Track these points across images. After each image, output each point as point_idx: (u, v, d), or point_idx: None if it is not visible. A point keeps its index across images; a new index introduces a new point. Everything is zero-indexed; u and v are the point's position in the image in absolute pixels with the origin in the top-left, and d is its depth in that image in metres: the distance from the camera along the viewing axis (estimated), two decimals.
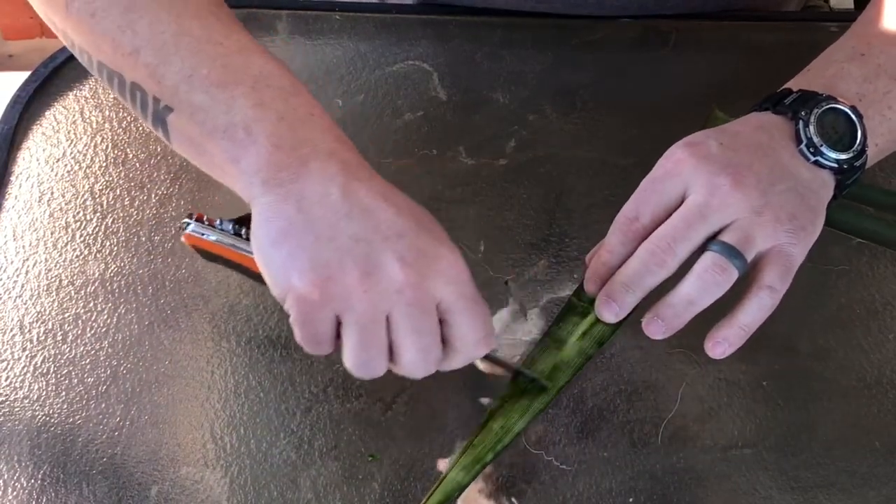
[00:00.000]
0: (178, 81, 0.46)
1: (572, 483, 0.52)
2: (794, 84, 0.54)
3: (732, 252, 0.47)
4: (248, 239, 0.49)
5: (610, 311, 0.50)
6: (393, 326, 0.44)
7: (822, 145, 0.50)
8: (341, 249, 0.43)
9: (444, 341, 0.46)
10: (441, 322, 0.45)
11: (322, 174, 0.45)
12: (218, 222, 0.51)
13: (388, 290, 0.43)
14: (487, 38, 0.71)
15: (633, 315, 0.51)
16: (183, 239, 0.52)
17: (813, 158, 0.50)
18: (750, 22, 0.74)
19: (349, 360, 0.45)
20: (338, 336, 0.45)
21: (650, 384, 0.55)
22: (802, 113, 0.51)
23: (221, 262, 0.53)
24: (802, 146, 0.50)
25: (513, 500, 0.51)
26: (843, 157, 0.50)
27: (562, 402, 0.54)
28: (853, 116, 0.51)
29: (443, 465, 0.52)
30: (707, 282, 0.48)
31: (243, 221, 0.51)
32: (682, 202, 0.50)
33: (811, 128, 0.50)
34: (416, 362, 0.45)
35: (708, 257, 0.48)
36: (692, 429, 0.54)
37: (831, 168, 0.50)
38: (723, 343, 0.49)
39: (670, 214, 0.49)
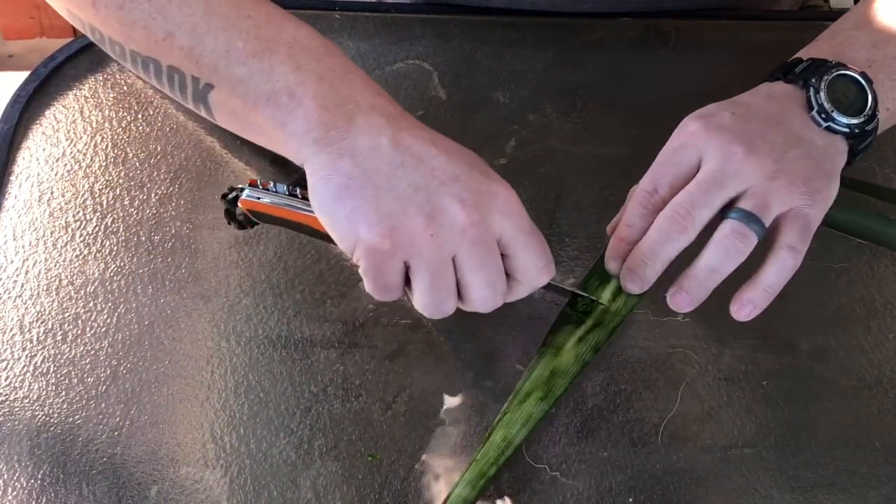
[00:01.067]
0: (216, 58, 0.48)
1: (572, 483, 0.52)
2: (805, 53, 0.55)
3: (751, 217, 0.48)
4: (303, 198, 0.50)
5: (634, 284, 0.51)
6: (459, 266, 0.46)
7: (833, 111, 0.51)
8: (402, 198, 0.45)
9: (507, 274, 0.48)
10: (503, 256, 0.47)
11: (370, 128, 0.46)
12: (272, 185, 0.52)
13: (451, 231, 0.45)
14: (487, 37, 0.71)
15: (627, 321, 0.50)
16: (239, 205, 0.52)
17: (824, 124, 0.51)
18: (750, 21, 0.74)
19: (420, 303, 0.47)
20: (406, 282, 0.47)
21: (650, 384, 0.55)
22: (813, 80, 0.52)
23: (279, 224, 0.53)
24: (814, 113, 0.51)
25: (512, 500, 0.51)
26: (855, 121, 0.51)
27: (561, 401, 0.54)
28: (863, 82, 0.52)
29: (429, 460, 0.52)
30: (728, 248, 0.48)
31: (296, 184, 0.52)
32: (697, 172, 0.50)
33: (822, 94, 0.51)
34: (484, 297, 0.47)
35: (727, 224, 0.49)
36: (692, 429, 0.54)
37: (843, 133, 0.51)
38: (748, 305, 0.49)
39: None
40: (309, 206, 0.48)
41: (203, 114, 0.51)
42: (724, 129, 0.50)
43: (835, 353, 0.57)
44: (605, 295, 0.54)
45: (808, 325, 0.58)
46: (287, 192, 0.51)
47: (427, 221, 0.45)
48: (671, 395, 0.55)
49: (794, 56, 0.55)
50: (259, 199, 0.52)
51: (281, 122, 0.47)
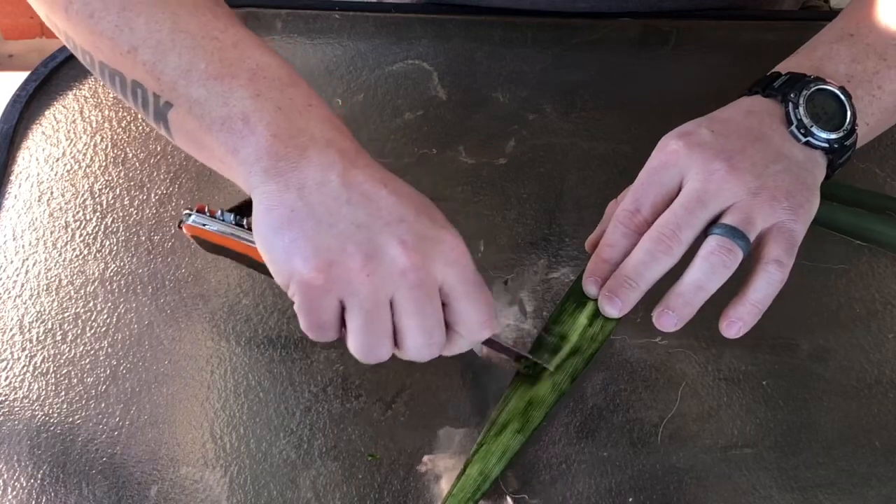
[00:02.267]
0: (177, 77, 0.47)
1: (572, 483, 0.52)
2: (784, 67, 0.55)
3: (735, 233, 0.48)
4: (249, 229, 0.49)
5: (613, 307, 0.50)
6: (396, 310, 0.45)
7: (812, 126, 0.51)
8: (343, 235, 0.44)
9: (447, 325, 0.46)
10: (443, 306, 0.46)
11: (321, 162, 0.45)
12: (219, 213, 0.51)
13: (390, 273, 0.44)
14: (487, 37, 0.71)
15: (617, 338, 0.50)
16: (184, 230, 0.52)
17: (804, 139, 0.51)
18: (750, 21, 0.74)
19: (354, 345, 0.45)
20: (342, 323, 0.45)
21: (650, 384, 0.55)
22: (791, 95, 0.51)
23: (223, 254, 0.53)
24: (793, 128, 0.51)
25: (511, 499, 0.51)
26: (834, 136, 0.51)
27: (561, 401, 0.54)
28: (842, 97, 0.51)
29: (429, 460, 0.52)
30: (714, 264, 0.48)
31: (242, 210, 0.51)
32: (679, 191, 0.50)
33: (801, 109, 0.51)
34: (419, 346, 0.46)
35: (712, 240, 0.48)
36: (692, 429, 0.54)
37: (822, 148, 0.51)
38: (737, 322, 0.49)
39: (669, 205, 0.50)
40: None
41: (163, 133, 0.49)
42: (704, 146, 0.50)
43: (835, 353, 0.57)
44: (582, 319, 0.53)
45: (808, 325, 0.58)
46: (234, 222, 0.51)
47: (365, 260, 0.43)
48: (671, 395, 0.55)
49: (773, 70, 0.55)
50: (204, 225, 0.51)
51: (233, 148, 0.45)
